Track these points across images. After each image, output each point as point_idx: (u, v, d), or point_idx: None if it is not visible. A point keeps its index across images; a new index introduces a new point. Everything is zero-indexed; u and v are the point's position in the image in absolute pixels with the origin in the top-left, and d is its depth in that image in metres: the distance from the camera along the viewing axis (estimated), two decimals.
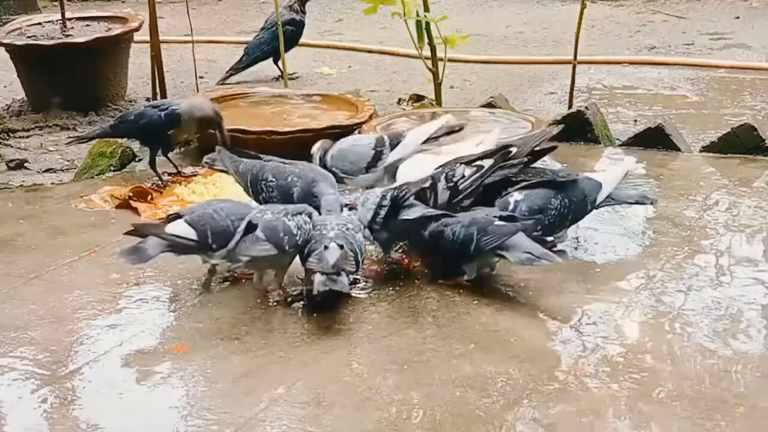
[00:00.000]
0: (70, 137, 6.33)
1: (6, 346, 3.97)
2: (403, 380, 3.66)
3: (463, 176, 4.54)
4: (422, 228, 4.36)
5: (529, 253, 4.17)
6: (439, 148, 5.06)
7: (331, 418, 3.46)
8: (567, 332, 3.98)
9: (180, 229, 4.22)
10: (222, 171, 5.03)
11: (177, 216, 4.32)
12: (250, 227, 4.16)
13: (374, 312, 4.13)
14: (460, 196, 4.52)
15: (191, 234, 4.20)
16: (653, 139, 5.96)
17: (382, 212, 4.37)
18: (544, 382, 3.61)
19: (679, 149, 5.93)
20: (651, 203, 4.82)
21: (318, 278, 4.06)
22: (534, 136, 4.85)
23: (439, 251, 4.34)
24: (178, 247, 4.23)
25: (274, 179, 4.69)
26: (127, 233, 4.32)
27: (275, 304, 4.19)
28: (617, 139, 6.14)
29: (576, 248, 4.66)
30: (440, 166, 4.63)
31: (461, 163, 4.59)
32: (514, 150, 4.62)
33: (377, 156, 4.99)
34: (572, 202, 4.54)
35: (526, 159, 4.62)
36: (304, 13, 7.85)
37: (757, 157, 5.74)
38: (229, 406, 3.53)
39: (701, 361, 3.75)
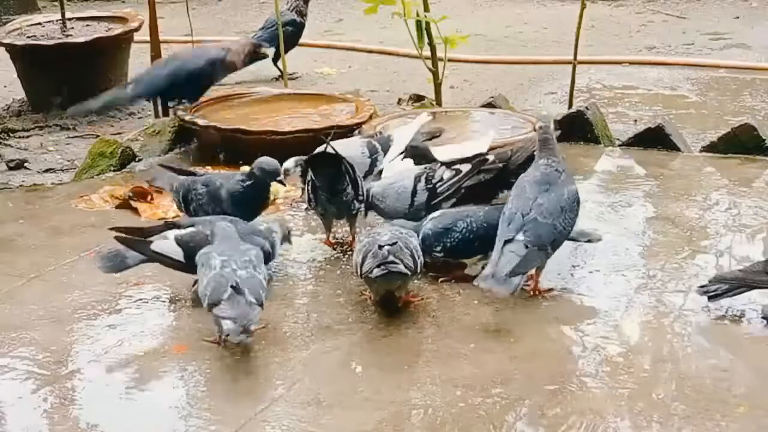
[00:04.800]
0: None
1: (6, 346, 3.97)
2: (403, 380, 3.66)
3: (442, 179, 4.60)
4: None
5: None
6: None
7: (331, 418, 3.46)
8: (567, 332, 3.98)
9: (166, 247, 4.20)
10: (160, 188, 5.08)
11: (174, 225, 4.32)
12: (237, 290, 3.80)
13: (374, 312, 4.12)
14: (438, 199, 4.58)
15: (178, 255, 4.19)
16: (653, 139, 5.96)
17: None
18: (544, 382, 3.61)
19: (679, 149, 5.93)
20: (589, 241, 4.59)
21: (375, 270, 4.01)
22: (527, 142, 4.86)
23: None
24: (162, 260, 4.23)
25: (204, 187, 4.68)
26: (115, 237, 4.27)
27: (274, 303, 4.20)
28: (617, 139, 6.14)
29: (576, 248, 4.65)
30: (423, 167, 4.69)
31: (442, 165, 4.66)
32: (491, 158, 4.66)
33: (373, 164, 5.05)
34: (481, 227, 4.36)
35: (500, 165, 4.63)
36: (304, 15, 7.86)
37: (757, 157, 5.73)
38: (229, 406, 3.53)
39: (701, 361, 3.76)
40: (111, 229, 4.38)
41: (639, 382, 3.61)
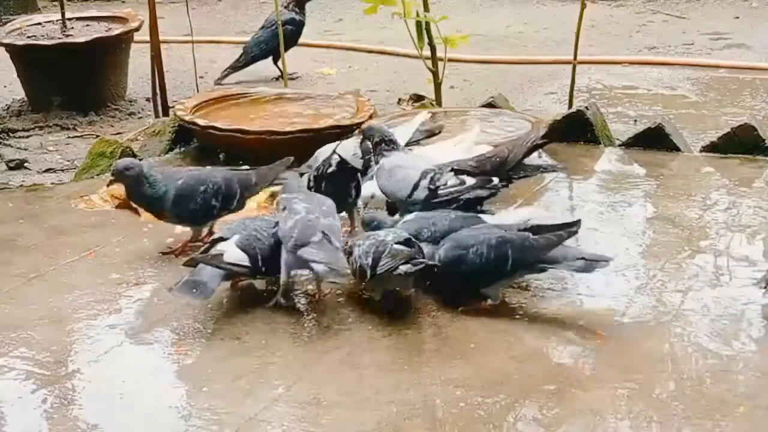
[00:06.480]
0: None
1: (6, 346, 3.97)
2: (403, 380, 3.66)
3: (446, 184, 4.58)
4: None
5: (582, 258, 4.06)
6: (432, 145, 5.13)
7: (331, 418, 3.46)
8: (567, 332, 3.97)
9: (234, 255, 4.12)
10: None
11: (219, 239, 4.25)
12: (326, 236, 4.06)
13: (374, 312, 4.12)
14: (437, 201, 4.54)
15: (244, 260, 4.13)
16: (653, 139, 5.96)
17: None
18: (544, 382, 3.61)
19: (679, 149, 5.93)
20: None
21: (402, 266, 4.00)
22: (522, 139, 4.87)
23: (459, 276, 4.17)
24: (234, 270, 4.16)
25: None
26: (185, 264, 4.20)
27: (275, 304, 4.19)
28: (617, 139, 6.14)
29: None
30: (435, 165, 4.67)
31: (451, 170, 4.64)
32: (495, 180, 4.61)
33: (366, 164, 5.02)
34: (444, 235, 4.28)
35: (501, 185, 4.61)
36: (303, 12, 7.86)
37: (757, 157, 5.73)
38: (229, 406, 3.53)
39: (701, 361, 3.76)
40: (184, 264, 4.26)
41: (639, 382, 3.61)
